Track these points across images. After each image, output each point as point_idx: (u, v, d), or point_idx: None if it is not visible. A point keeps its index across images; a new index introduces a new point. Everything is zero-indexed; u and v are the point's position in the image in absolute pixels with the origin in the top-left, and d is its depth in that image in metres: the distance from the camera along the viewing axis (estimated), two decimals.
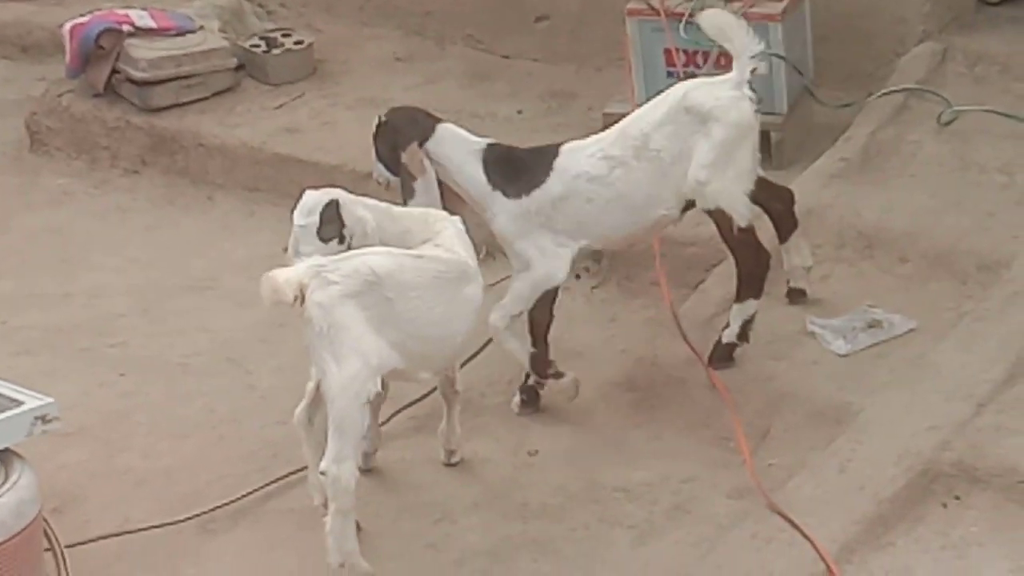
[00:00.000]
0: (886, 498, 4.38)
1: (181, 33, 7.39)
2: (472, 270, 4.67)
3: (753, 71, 5.11)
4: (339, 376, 4.37)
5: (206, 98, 7.30)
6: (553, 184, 5.16)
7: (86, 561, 4.68)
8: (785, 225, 5.33)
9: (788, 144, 6.16)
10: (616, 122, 5.35)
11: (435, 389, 5.06)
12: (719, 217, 5.14)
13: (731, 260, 5.30)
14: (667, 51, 6.18)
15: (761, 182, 5.19)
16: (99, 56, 7.26)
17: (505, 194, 5.18)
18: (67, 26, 7.37)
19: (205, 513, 4.90)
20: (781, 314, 5.40)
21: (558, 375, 5.26)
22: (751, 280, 5.21)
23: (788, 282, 5.48)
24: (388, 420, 5.16)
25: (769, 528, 4.42)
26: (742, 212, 5.13)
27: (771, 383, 5.11)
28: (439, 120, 5.30)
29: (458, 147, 5.25)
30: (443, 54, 7.60)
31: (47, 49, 7.96)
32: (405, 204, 5.11)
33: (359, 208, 4.74)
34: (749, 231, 5.16)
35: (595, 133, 6.10)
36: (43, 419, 4.29)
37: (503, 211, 5.19)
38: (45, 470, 4.46)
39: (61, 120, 7.37)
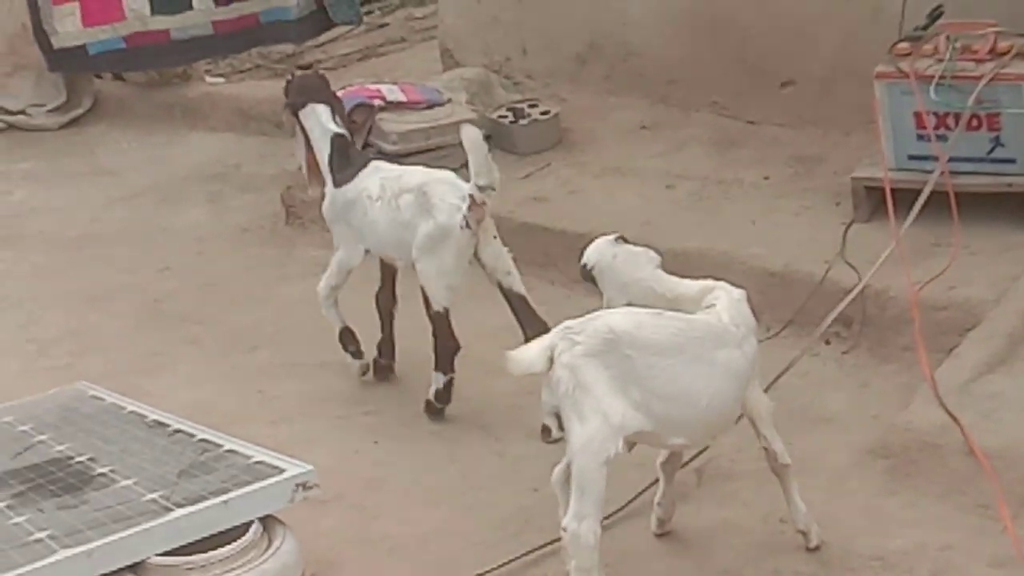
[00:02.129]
0: None
1: (430, 106, 7.55)
2: (732, 335, 4.60)
3: (480, 190, 5.65)
4: (581, 435, 4.39)
5: (456, 169, 7.37)
6: (351, 188, 6.08)
7: None
8: None
9: None
10: (864, 188, 5.79)
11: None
12: (423, 294, 5.86)
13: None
14: (917, 114, 6.10)
15: (521, 304, 5.87)
16: (352, 130, 7.39)
17: (333, 180, 6.14)
18: None
19: None
20: None
21: (358, 354, 6.23)
22: (440, 356, 5.91)
23: None
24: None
25: None
26: (438, 298, 5.83)
27: None
28: (318, 99, 6.21)
29: (317, 127, 6.19)
30: (688, 121, 7.62)
31: None
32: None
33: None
34: (443, 316, 5.85)
35: (844, 198, 6.15)
36: (303, 486, 4.39)
37: (329, 193, 6.17)
38: (303, 536, 4.54)
39: None
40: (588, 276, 4.89)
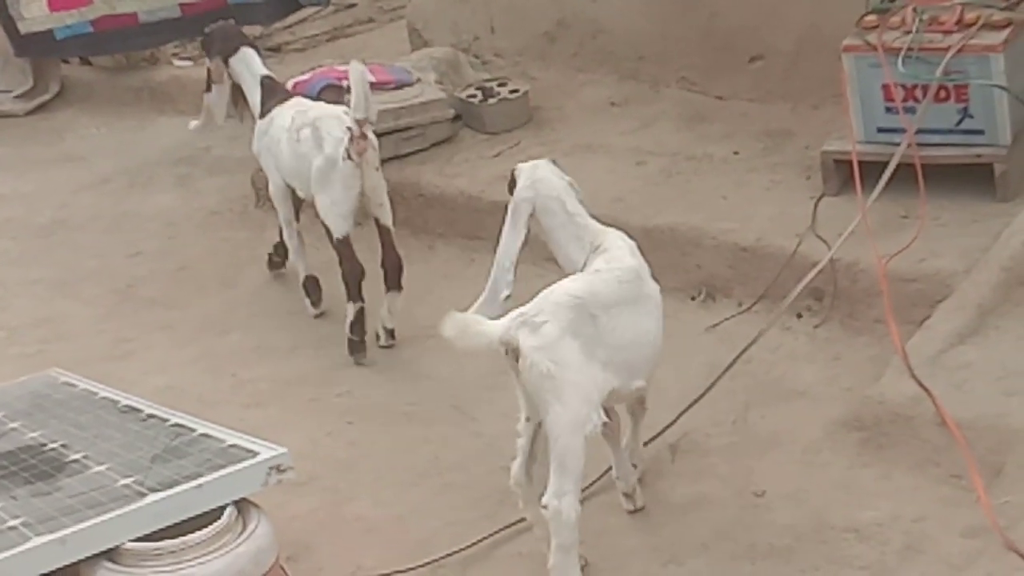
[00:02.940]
0: None
1: (399, 86, 7.52)
2: (645, 269, 4.84)
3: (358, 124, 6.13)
4: (563, 414, 4.42)
5: (425, 149, 7.42)
6: (269, 119, 6.59)
7: None
8: (387, 280, 6.34)
9: (1012, 176, 6.03)
10: (833, 161, 6.05)
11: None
12: (324, 226, 6.26)
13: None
14: (885, 86, 6.10)
15: (386, 236, 6.33)
16: None
17: (261, 115, 6.64)
18: (290, 83, 7.51)
19: (436, 560, 4.94)
20: (1011, 349, 5.28)
21: (316, 303, 6.65)
22: (349, 283, 6.24)
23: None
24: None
25: (1006, 567, 4.32)
26: (335, 228, 6.21)
27: (1004, 419, 4.98)
28: (244, 44, 6.77)
29: (247, 70, 6.74)
30: (658, 97, 7.62)
31: None
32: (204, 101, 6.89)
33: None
34: (345, 242, 6.23)
35: (814, 172, 6.16)
36: (277, 469, 4.37)
37: (256, 128, 6.67)
38: (278, 519, 4.53)
39: None
40: (513, 182, 5.14)
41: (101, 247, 7.67)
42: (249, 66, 6.76)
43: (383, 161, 7.26)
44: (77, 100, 9.81)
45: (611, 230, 4.98)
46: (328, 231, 6.26)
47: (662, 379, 5.21)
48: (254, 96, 6.71)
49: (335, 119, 6.23)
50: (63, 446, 4.79)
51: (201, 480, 4.28)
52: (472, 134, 7.53)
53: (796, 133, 6.97)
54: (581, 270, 4.83)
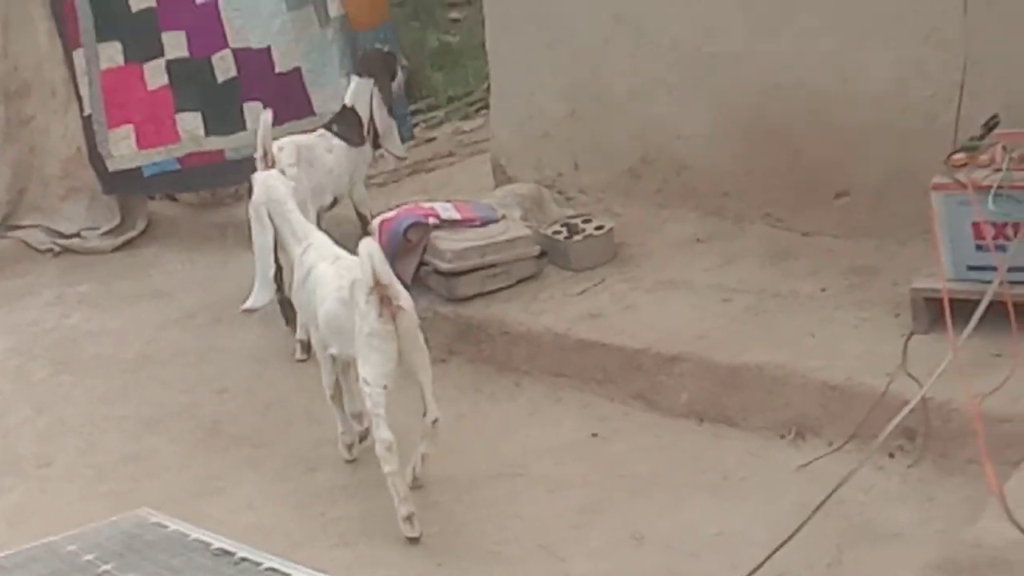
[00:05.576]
0: None
1: (485, 223, 7.56)
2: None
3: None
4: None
5: (510, 286, 7.44)
6: None
7: None
8: None
9: None
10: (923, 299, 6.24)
11: None
12: None
13: None
14: (976, 224, 6.08)
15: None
16: (407, 249, 7.46)
17: None
18: (375, 221, 7.62)
19: None
20: None
21: None
22: None
23: None
24: None
25: None
26: None
27: None
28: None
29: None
30: (742, 233, 7.62)
31: None
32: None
33: None
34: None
35: (903, 309, 6.15)
36: None
37: None
38: None
39: None
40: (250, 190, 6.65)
41: (188, 383, 7.72)
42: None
43: (468, 298, 7.37)
44: (163, 236, 9.91)
45: (317, 230, 6.61)
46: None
47: (751, 519, 5.17)
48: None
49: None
50: None
51: None
52: (557, 271, 7.54)
53: (883, 270, 6.94)
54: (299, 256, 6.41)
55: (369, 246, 5.87)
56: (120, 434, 7.25)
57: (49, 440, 7.25)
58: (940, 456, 5.79)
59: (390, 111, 8.18)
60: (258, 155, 7.53)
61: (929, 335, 6.22)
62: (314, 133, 8.05)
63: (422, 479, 6.20)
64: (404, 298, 5.93)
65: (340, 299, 6.08)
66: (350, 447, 6.60)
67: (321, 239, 6.49)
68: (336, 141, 7.98)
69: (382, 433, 5.89)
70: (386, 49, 8.46)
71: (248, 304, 6.62)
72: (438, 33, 12.02)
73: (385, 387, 5.89)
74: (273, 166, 7.27)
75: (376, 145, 8.29)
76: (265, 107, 7.86)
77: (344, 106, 8.09)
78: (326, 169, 7.90)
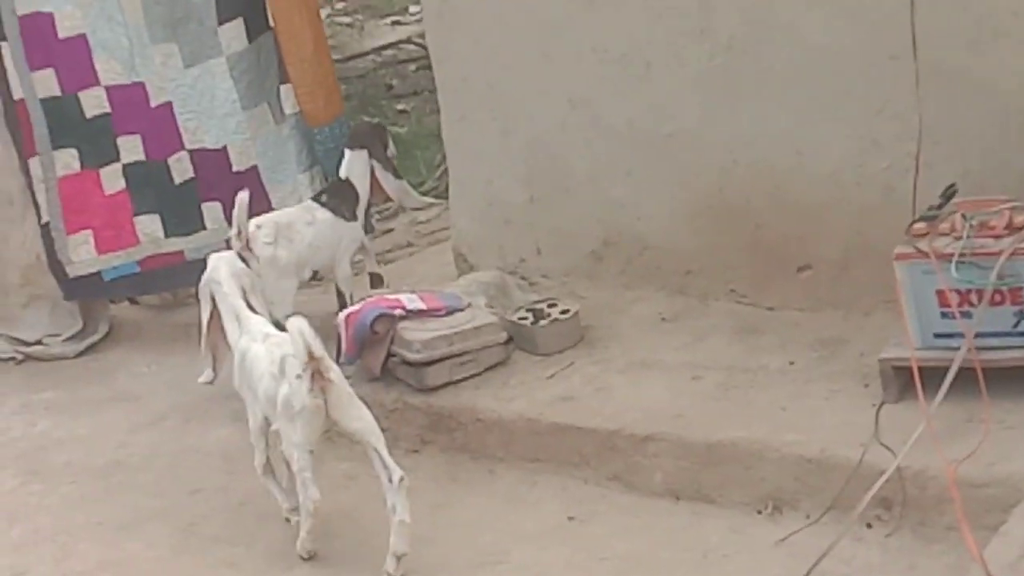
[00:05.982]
0: None
1: (450, 312, 7.58)
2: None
3: None
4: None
5: (479, 374, 7.45)
6: None
7: None
8: None
9: None
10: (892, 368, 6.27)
11: None
12: None
13: None
14: (940, 292, 6.14)
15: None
16: (374, 341, 7.47)
17: None
18: (342, 315, 7.63)
19: None
20: None
21: None
22: None
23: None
24: None
25: None
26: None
27: None
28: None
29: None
30: (708, 310, 7.66)
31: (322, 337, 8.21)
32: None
33: None
34: None
35: (872, 380, 6.19)
36: None
37: None
38: None
39: None
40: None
41: (161, 486, 7.68)
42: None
43: (438, 388, 7.37)
44: (126, 339, 9.87)
45: (254, 316, 6.70)
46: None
47: None
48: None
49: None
50: None
51: None
52: (525, 356, 7.55)
53: (850, 341, 7.00)
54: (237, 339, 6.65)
55: (298, 322, 6.03)
56: (96, 541, 7.20)
57: (24, 550, 7.19)
58: (919, 524, 5.83)
59: (395, 174, 8.34)
60: (232, 234, 7.68)
61: (900, 404, 6.27)
62: (299, 205, 8.15)
63: None
64: (335, 371, 6.15)
65: (271, 374, 6.30)
66: (294, 510, 6.66)
67: (255, 321, 6.66)
68: (320, 213, 8.05)
69: (311, 492, 6.23)
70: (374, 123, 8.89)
71: (202, 378, 7.30)
72: (386, 125, 12.06)
73: (311, 452, 6.18)
74: (248, 246, 7.49)
75: (369, 228, 8.51)
76: (224, 204, 8.10)
77: (339, 178, 8.20)
78: (305, 243, 7.97)
